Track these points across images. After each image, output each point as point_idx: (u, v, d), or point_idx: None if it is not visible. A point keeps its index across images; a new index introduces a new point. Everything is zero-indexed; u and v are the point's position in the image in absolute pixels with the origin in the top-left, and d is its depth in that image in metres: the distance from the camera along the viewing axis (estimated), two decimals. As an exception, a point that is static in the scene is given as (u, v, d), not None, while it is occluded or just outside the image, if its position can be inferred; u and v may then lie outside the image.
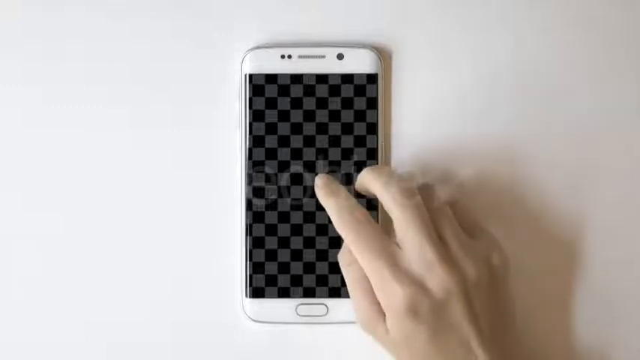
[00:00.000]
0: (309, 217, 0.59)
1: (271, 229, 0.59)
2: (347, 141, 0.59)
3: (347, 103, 0.59)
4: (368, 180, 0.55)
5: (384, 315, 0.53)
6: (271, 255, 0.59)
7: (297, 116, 0.59)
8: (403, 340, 0.53)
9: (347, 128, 0.59)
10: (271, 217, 0.59)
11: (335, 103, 0.59)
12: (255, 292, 0.59)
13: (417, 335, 0.52)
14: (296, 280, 0.59)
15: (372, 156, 0.59)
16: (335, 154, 0.59)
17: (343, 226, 0.54)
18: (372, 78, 0.59)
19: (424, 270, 0.52)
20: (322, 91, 0.59)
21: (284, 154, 0.59)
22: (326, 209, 0.56)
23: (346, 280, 0.55)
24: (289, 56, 0.59)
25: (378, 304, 0.54)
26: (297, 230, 0.59)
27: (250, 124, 0.59)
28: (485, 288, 0.53)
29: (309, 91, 0.59)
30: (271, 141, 0.59)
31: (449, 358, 0.52)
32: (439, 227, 0.54)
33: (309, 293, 0.59)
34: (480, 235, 0.56)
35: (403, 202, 0.53)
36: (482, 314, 0.53)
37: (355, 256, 0.54)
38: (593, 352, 0.59)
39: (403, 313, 0.52)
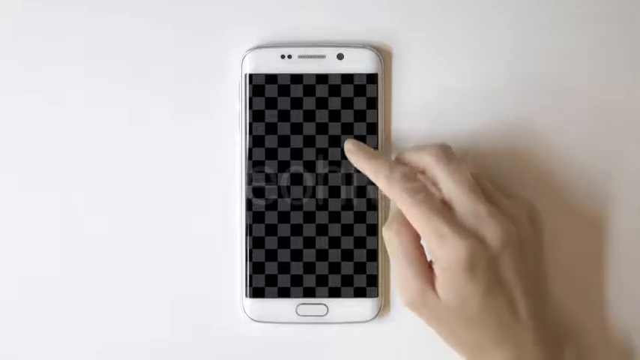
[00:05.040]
0: (309, 217, 0.59)
1: (271, 229, 0.59)
2: (347, 141, 0.59)
3: (347, 103, 0.59)
4: (415, 157, 0.56)
5: (433, 284, 0.53)
6: (271, 255, 0.59)
7: (297, 116, 0.59)
8: (455, 303, 0.53)
9: (347, 128, 0.59)
10: (271, 217, 0.59)
11: (335, 103, 0.59)
12: (255, 292, 0.59)
13: (472, 293, 0.52)
14: (296, 280, 0.59)
15: (372, 156, 0.59)
16: (335, 154, 0.59)
17: (395, 187, 0.54)
18: (372, 78, 0.59)
19: (478, 224, 0.53)
20: (322, 91, 0.59)
21: (284, 154, 0.59)
22: (366, 172, 0.56)
23: (393, 251, 0.55)
24: (289, 56, 0.59)
25: (427, 272, 0.54)
26: (297, 230, 0.59)
27: (250, 124, 0.59)
28: (530, 243, 0.54)
29: (309, 91, 0.59)
30: (271, 141, 0.59)
31: (498, 319, 0.53)
32: (481, 187, 0.55)
33: (309, 293, 0.59)
34: (513, 196, 0.57)
35: (446, 165, 0.54)
36: (528, 271, 0.54)
37: (407, 221, 0.54)
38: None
39: (462, 268, 0.52)
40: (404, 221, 0.54)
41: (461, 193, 0.53)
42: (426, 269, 0.54)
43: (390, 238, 0.55)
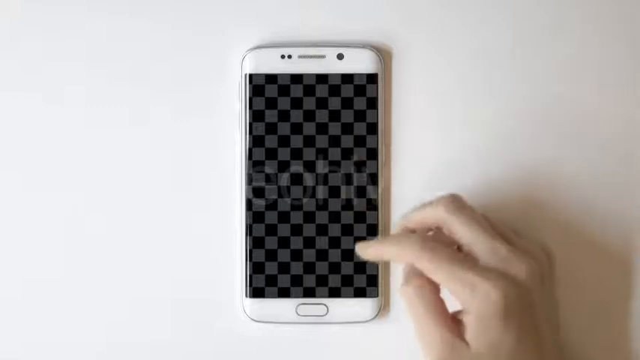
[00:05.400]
0: (309, 217, 0.59)
1: (271, 229, 0.59)
2: (347, 141, 0.59)
3: (347, 103, 0.59)
4: (427, 213, 0.55)
5: (461, 335, 0.52)
6: (271, 255, 0.59)
7: (297, 116, 0.59)
8: (487, 351, 0.51)
9: (347, 128, 0.59)
10: (271, 217, 0.59)
11: (335, 103, 0.59)
12: (255, 292, 0.59)
13: (505, 339, 0.51)
14: (296, 280, 0.59)
15: (372, 156, 0.59)
16: (335, 154, 0.59)
17: (410, 249, 0.52)
18: (372, 78, 0.59)
19: (503, 264, 0.52)
20: (322, 91, 0.59)
21: (284, 154, 0.59)
22: (383, 257, 0.54)
23: (415, 308, 0.53)
24: (289, 56, 0.59)
25: (452, 324, 0.52)
26: (297, 230, 0.59)
27: (250, 124, 0.59)
28: (549, 277, 0.54)
29: (309, 91, 0.59)
30: (271, 141, 0.59)
31: (529, 357, 0.52)
32: (495, 229, 0.54)
33: (309, 293, 0.59)
34: (523, 235, 0.57)
35: (458, 213, 0.53)
36: (550, 305, 0.54)
37: (430, 276, 0.52)
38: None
39: (498, 311, 0.51)
40: (422, 276, 0.53)
41: (478, 237, 0.53)
42: (451, 321, 0.52)
43: (409, 295, 0.53)
